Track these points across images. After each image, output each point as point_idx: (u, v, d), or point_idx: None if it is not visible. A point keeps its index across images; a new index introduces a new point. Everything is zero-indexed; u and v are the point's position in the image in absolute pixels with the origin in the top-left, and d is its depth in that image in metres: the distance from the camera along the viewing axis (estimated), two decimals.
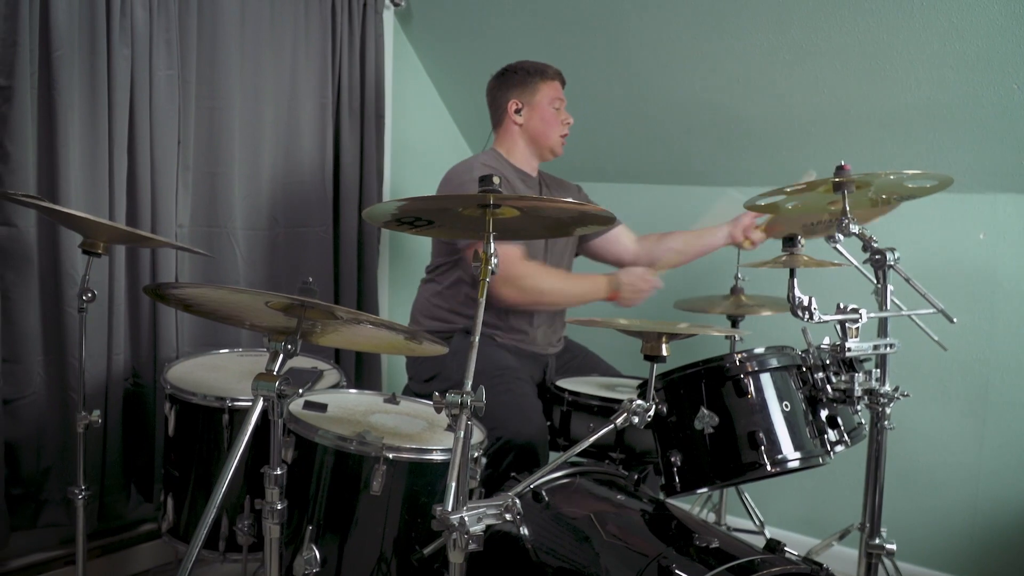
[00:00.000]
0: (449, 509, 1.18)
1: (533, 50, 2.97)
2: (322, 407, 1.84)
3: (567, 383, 2.20)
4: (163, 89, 2.35)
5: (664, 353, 1.49)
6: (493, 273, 1.41)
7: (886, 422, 1.75)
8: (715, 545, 1.41)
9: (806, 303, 1.63)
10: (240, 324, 1.74)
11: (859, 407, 1.78)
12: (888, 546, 1.80)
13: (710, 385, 1.66)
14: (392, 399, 2.02)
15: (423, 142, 3.34)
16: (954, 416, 2.58)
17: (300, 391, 1.45)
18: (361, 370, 3.04)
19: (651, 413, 1.44)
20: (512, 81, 2.48)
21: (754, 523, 2.60)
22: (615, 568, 1.44)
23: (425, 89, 3.39)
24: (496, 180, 1.41)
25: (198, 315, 1.84)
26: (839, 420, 1.85)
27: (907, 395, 1.78)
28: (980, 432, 2.54)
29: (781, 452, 1.62)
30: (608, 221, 1.51)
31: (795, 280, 1.64)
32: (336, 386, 2.13)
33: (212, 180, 2.53)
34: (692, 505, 2.81)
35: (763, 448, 1.58)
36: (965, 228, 2.54)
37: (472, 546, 1.25)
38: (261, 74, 2.64)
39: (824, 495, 2.82)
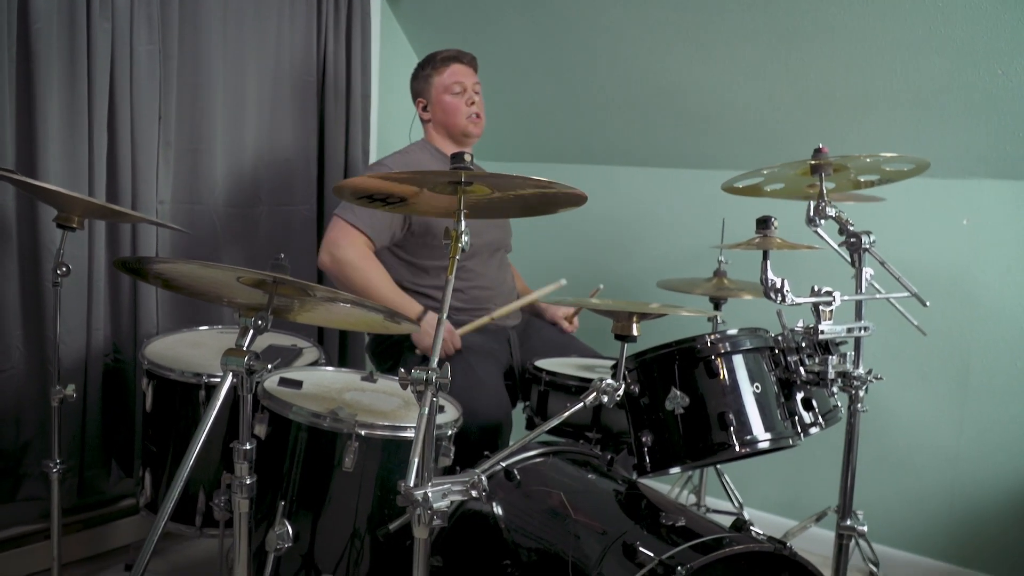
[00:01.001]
0: (411, 485, 1.18)
1: (522, 30, 2.96)
2: (297, 384, 1.85)
3: (545, 363, 2.20)
4: (144, 64, 2.33)
5: (635, 333, 1.49)
6: (463, 251, 1.40)
7: (859, 405, 1.77)
8: (681, 524, 1.42)
9: (779, 285, 1.63)
10: (218, 301, 1.73)
11: (833, 390, 1.79)
12: (859, 528, 1.82)
13: (682, 366, 1.66)
14: (370, 377, 2.02)
15: (410, 122, 3.32)
16: (934, 400, 2.59)
17: (269, 366, 1.45)
18: (346, 349, 3.04)
19: (620, 393, 1.45)
20: (413, 82, 2.58)
21: (733, 505, 2.61)
22: (583, 545, 1.45)
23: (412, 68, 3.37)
24: (468, 157, 1.40)
25: (175, 291, 1.84)
26: (814, 403, 1.86)
27: (880, 378, 1.79)
28: (959, 416, 2.55)
29: (751, 433, 1.62)
30: (579, 201, 1.50)
31: (768, 262, 1.64)
32: (315, 364, 2.13)
33: (194, 157, 2.52)
34: (672, 486, 2.82)
35: (732, 429, 1.59)
36: (948, 214, 2.53)
37: (437, 522, 1.26)
38: (244, 51, 2.62)
39: (803, 478, 2.84)
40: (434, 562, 1.65)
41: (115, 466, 2.42)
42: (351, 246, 2.27)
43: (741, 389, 1.65)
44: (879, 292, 1.92)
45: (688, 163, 3.00)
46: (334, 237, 2.28)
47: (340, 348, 3.02)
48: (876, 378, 1.76)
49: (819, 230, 1.79)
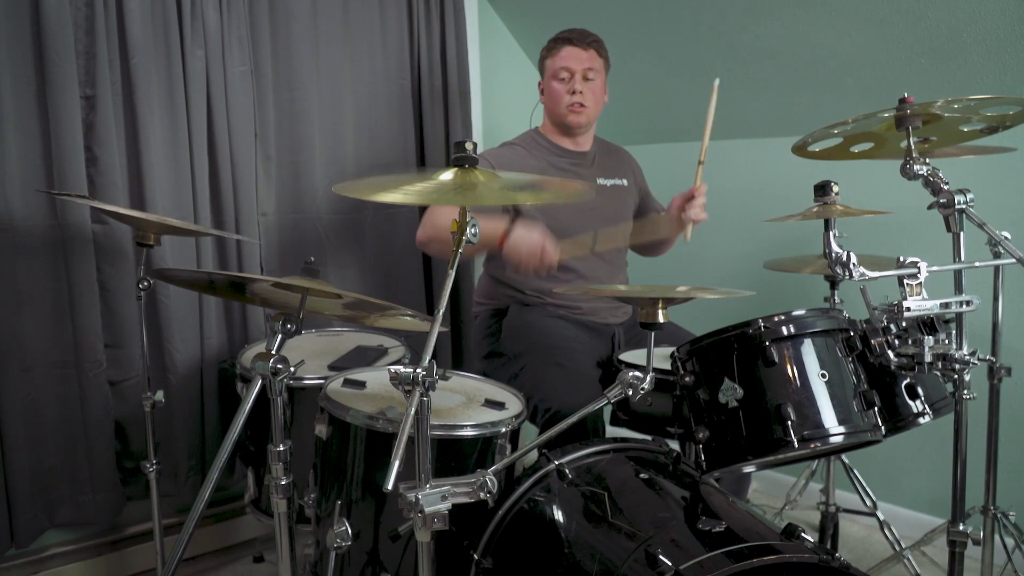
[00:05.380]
0: (389, 487, 1.15)
1: (621, 10, 2.83)
2: (360, 384, 1.87)
3: (628, 356, 2.09)
4: (238, 85, 2.46)
5: (660, 320, 1.37)
6: (470, 243, 1.35)
7: (964, 391, 1.52)
8: (719, 529, 1.28)
9: (844, 258, 1.44)
10: (290, 309, 1.78)
11: (935, 374, 1.56)
12: (973, 535, 1.58)
13: (739, 353, 1.51)
14: (442, 374, 2.00)
15: (519, 117, 3.28)
16: None
17: (293, 368, 1.46)
18: (460, 342, 3.06)
19: (645, 386, 1.33)
20: (539, 63, 2.50)
21: (864, 503, 2.35)
22: (611, 550, 1.35)
23: (518, 62, 3.32)
24: (469, 146, 1.34)
25: (266, 307, 1.90)
26: (919, 389, 1.64)
27: (985, 359, 1.54)
28: None
29: (816, 427, 1.44)
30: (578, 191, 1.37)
31: (831, 233, 1.45)
32: (398, 362, 2.15)
33: (295, 168, 2.63)
34: (798, 478, 2.59)
35: (791, 423, 1.42)
36: None
37: (437, 525, 1.22)
38: (337, 62, 2.70)
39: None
40: (485, 564, 1.61)
41: (239, 464, 2.58)
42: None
43: (804, 378, 1.47)
44: (1013, 257, 1.66)
45: (799, 129, 2.73)
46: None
47: (453, 341, 3.04)
48: (983, 359, 1.52)
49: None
